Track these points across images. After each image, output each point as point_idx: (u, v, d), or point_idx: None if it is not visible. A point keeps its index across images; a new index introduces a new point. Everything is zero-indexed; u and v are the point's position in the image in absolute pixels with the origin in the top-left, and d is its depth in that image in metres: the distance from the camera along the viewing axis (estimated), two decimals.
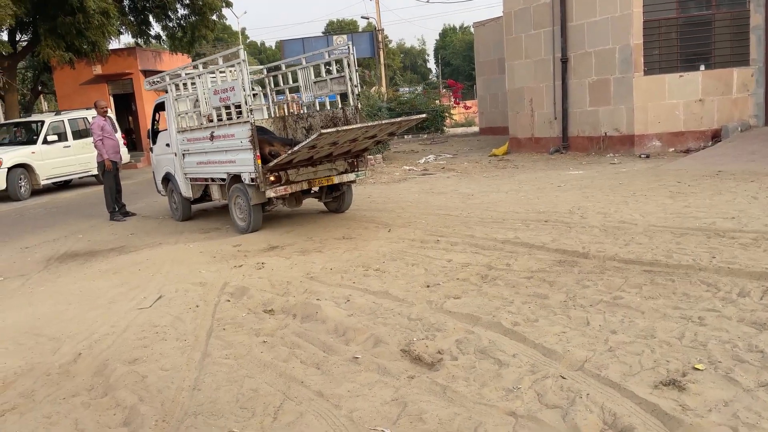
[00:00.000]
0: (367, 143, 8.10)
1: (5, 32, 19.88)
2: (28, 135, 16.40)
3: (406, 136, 26.19)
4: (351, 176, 8.35)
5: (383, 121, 7.68)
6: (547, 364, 3.45)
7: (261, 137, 8.18)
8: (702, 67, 12.87)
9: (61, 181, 16.75)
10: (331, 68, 8.82)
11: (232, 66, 7.98)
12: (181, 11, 22.39)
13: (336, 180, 8.20)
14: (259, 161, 7.41)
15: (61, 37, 17.95)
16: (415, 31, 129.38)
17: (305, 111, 9.67)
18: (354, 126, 7.30)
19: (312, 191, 8.70)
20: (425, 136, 26.05)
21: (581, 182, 10.23)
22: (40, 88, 27.13)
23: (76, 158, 16.58)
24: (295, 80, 9.50)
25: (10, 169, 14.77)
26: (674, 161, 11.65)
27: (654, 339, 3.66)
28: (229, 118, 8.03)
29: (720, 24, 12.75)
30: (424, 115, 8.66)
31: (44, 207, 13.43)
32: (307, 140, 6.88)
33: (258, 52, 70.35)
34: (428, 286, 5.13)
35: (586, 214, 7.47)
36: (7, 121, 18.00)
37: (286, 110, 10.58)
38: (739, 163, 10.34)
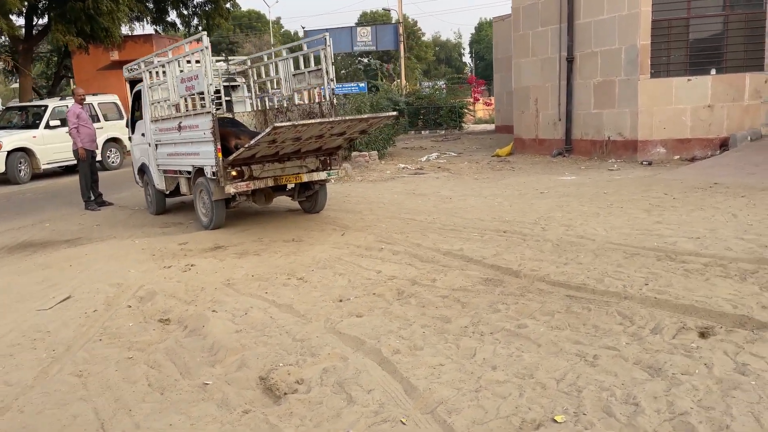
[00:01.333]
0: (338, 141, 7.70)
1: (22, 17, 20.17)
2: (32, 119, 16.54)
3: (423, 132, 25.78)
4: (322, 175, 7.94)
5: (347, 118, 7.29)
6: (399, 404, 3.11)
7: (228, 129, 7.93)
8: (713, 71, 12.17)
9: (65, 166, 16.88)
10: (318, 62, 8.32)
11: (196, 53, 7.64)
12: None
13: (305, 178, 7.81)
14: (220, 155, 7.08)
15: (71, 22, 18.09)
16: (452, 24, 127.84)
17: (285, 104, 9.29)
18: (312, 121, 6.82)
19: (287, 188, 8.38)
20: (442, 132, 25.58)
21: (566, 189, 9.76)
22: (62, 72, 27.53)
23: None
24: (277, 72, 9.19)
25: (9, 152, 14.93)
26: (673, 170, 11.04)
27: (531, 379, 3.30)
28: (195, 109, 7.76)
29: (733, 26, 12.03)
30: (393, 113, 8.24)
31: (35, 192, 13.53)
32: (261, 134, 6.55)
33: (291, 41, 70.40)
34: (340, 301, 4.83)
35: (549, 226, 7.05)
36: (11, 105, 18.23)
37: (269, 103, 10.30)
38: (738, 175, 9.71)
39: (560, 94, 14.09)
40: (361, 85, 34.11)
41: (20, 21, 20.31)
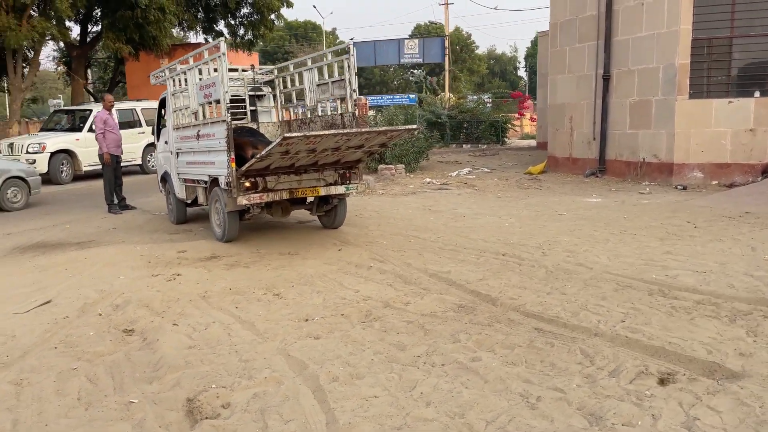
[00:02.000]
0: (357, 154, 7.34)
1: (77, 24, 21.07)
2: (77, 122, 17.15)
3: (464, 146, 25.49)
4: (340, 189, 7.57)
5: (363, 130, 6.97)
6: None
7: (245, 139, 7.86)
8: (756, 94, 11.53)
9: None
10: (341, 71, 8.07)
11: (213, 60, 7.44)
12: (245, 10, 22.86)
13: (322, 192, 7.50)
14: (233, 165, 6.86)
15: (121, 31, 18.74)
16: (508, 38, 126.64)
17: (309, 115, 9.09)
18: (325, 132, 6.49)
19: (306, 202, 8.22)
20: (483, 147, 25.22)
21: (587, 212, 9.39)
22: (118, 78, 28.58)
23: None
24: (302, 82, 9.02)
25: (53, 154, 15.52)
26: (706, 196, 10.49)
27: (461, 419, 3.11)
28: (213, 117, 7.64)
29: None
30: (413, 127, 7.73)
31: (72, 193, 13.99)
32: (272, 144, 6.36)
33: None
34: (305, 320, 4.73)
35: (551, 251, 6.77)
36: (59, 109, 18.98)
37: (291, 115, 10.27)
38: None
39: (595, 113, 13.65)
40: (412, 96, 34.14)
41: (76, 28, 21.22)
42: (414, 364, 3.84)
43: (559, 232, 7.79)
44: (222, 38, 7.39)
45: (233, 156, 6.87)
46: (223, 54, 6.91)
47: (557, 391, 3.37)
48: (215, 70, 8.05)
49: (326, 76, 8.34)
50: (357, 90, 7.95)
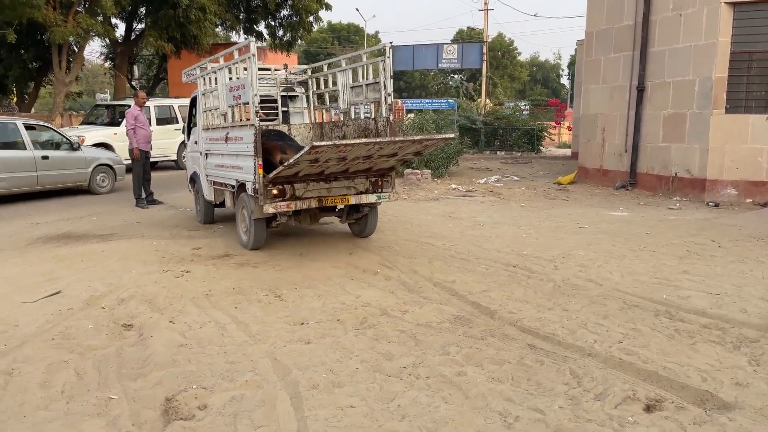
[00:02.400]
0: (390, 162, 6.99)
1: (122, 22, 21.67)
2: (117, 117, 17.58)
3: (498, 153, 25.26)
4: (372, 198, 7.20)
5: (397, 139, 6.46)
6: None
7: (274, 143, 7.51)
8: None
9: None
10: (379, 74, 7.61)
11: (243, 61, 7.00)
12: (284, 12, 23.15)
13: (353, 201, 7.11)
14: (261, 171, 6.50)
15: (163, 29, 19.18)
16: (552, 45, 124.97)
17: (342, 118, 8.70)
18: (357, 141, 6.11)
19: (336, 209, 7.80)
20: (518, 154, 24.94)
21: (609, 226, 9.18)
22: (162, 75, 29.26)
23: (157, 143, 17.56)
24: (335, 84, 8.61)
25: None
26: (737, 215, 10.14)
27: None
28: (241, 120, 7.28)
29: None
30: (450, 136, 7.37)
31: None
32: (300, 153, 5.89)
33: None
34: (301, 324, 4.74)
35: (564, 265, 6.64)
36: (100, 103, 19.50)
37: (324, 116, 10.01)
38: None
39: (628, 124, 13.34)
40: (451, 101, 34.01)
41: (122, 26, 21.82)
42: (398, 375, 3.80)
43: (576, 246, 7.63)
44: (252, 39, 7.09)
45: (261, 162, 6.56)
46: (253, 55, 6.59)
47: (537, 412, 3.30)
48: (245, 70, 7.75)
49: (361, 78, 7.98)
50: (392, 94, 7.58)
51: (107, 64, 29.15)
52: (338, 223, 8.28)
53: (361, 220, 7.98)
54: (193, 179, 9.65)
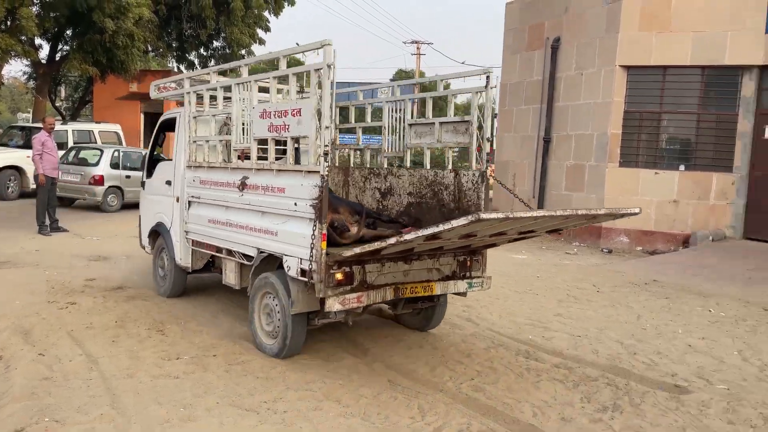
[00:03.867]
0: (501, 239, 5.16)
1: (46, 42, 21.24)
2: (30, 140, 17.12)
3: None
4: (461, 286, 5.22)
5: (579, 213, 4.27)
6: None
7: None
8: (681, 167, 12.08)
9: None
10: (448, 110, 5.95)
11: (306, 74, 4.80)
12: (217, 43, 23.31)
13: (438, 290, 5.09)
14: (324, 244, 4.45)
15: (89, 53, 18.95)
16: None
17: (385, 165, 6.57)
18: (534, 214, 4.05)
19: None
20: None
21: (507, 268, 9.64)
22: (88, 98, 28.65)
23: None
24: (377, 117, 6.69)
25: (1, 169, 15.47)
26: (624, 262, 10.88)
27: None
28: (279, 159, 5.34)
29: (705, 125, 11.97)
30: (636, 211, 4.88)
31: (13, 210, 13.91)
32: (439, 227, 3.82)
33: None
34: (177, 359, 4.84)
35: (452, 305, 6.96)
36: (14, 125, 18.98)
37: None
38: (681, 275, 9.50)
39: (536, 172, 14.13)
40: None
41: (46, 47, 21.38)
42: (256, 409, 3.97)
43: None
44: (328, 40, 4.32)
45: (325, 231, 4.48)
46: (331, 65, 4.46)
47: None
48: (300, 91, 5.95)
49: (429, 113, 6.12)
50: (492, 140, 5.73)
51: (30, 84, 28.32)
52: (387, 310, 6.13)
53: (427, 310, 5.85)
54: (156, 233, 7.07)
